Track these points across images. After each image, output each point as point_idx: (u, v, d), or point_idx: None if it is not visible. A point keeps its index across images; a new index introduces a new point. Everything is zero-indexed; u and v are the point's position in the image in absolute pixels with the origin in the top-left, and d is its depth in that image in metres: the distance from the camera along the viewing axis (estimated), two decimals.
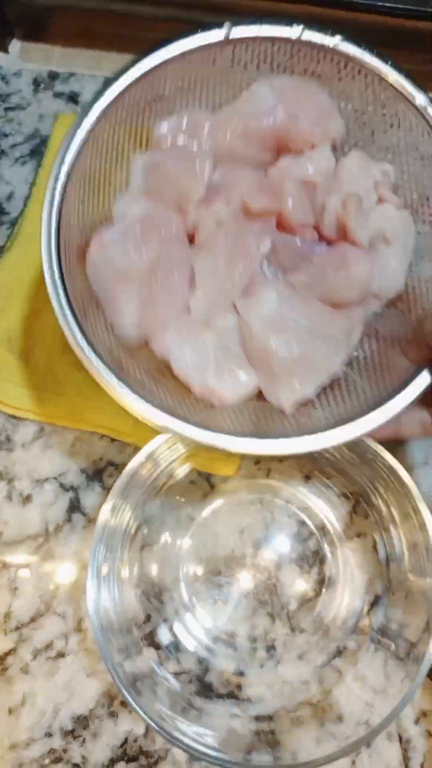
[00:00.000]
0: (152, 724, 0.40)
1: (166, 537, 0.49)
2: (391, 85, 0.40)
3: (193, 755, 0.40)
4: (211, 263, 0.40)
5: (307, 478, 0.50)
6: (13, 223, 0.55)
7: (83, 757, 0.45)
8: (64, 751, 0.45)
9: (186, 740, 0.41)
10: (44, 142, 0.57)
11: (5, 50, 0.61)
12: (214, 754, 0.41)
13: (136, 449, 0.49)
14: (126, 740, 0.46)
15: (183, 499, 0.49)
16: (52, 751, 0.45)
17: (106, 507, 0.42)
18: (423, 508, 0.42)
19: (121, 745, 0.45)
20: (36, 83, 0.60)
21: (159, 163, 0.41)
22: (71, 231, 0.38)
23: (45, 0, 0.62)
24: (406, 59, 0.61)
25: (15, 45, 0.62)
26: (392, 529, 0.47)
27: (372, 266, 0.39)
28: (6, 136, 0.57)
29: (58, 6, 0.63)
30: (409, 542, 0.45)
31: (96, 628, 0.41)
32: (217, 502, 0.49)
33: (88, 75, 0.60)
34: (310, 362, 0.38)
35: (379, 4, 0.52)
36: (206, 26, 0.40)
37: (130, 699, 0.40)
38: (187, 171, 0.40)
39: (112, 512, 0.43)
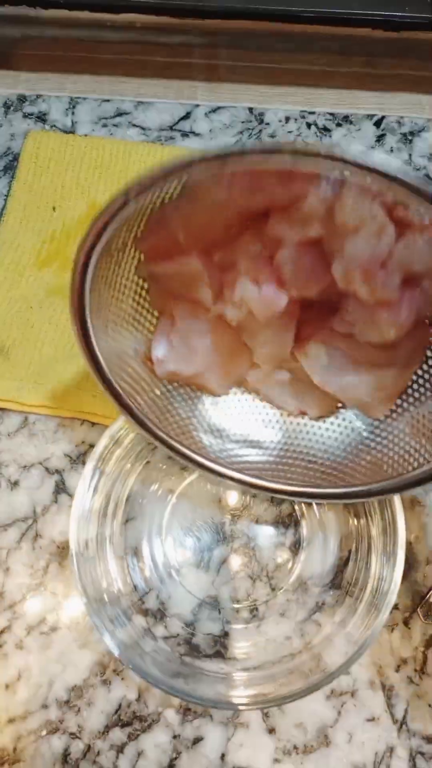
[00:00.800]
0: (149, 681, 0.42)
1: (147, 509, 0.51)
2: None
3: (187, 701, 0.42)
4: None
5: None
6: None
7: (79, 725, 0.47)
8: (60, 721, 0.47)
9: (176, 703, 0.43)
10: (16, 157, 0.62)
11: None
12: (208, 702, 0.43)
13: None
14: (120, 706, 0.47)
15: (162, 474, 0.52)
16: (48, 722, 0.47)
17: (83, 483, 0.45)
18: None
19: (115, 712, 0.47)
20: (6, 106, 0.65)
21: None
22: None
23: (9, 32, 0.68)
24: (349, 64, 0.67)
25: None
26: None
27: (408, 311, 0.34)
28: None
29: (23, 37, 0.68)
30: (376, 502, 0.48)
31: (86, 600, 0.43)
32: (194, 475, 0.52)
33: (54, 96, 0.65)
34: (381, 385, 0.39)
35: (324, 11, 0.57)
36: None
37: (125, 661, 0.42)
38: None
39: (89, 488, 0.45)
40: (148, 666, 0.45)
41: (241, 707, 0.42)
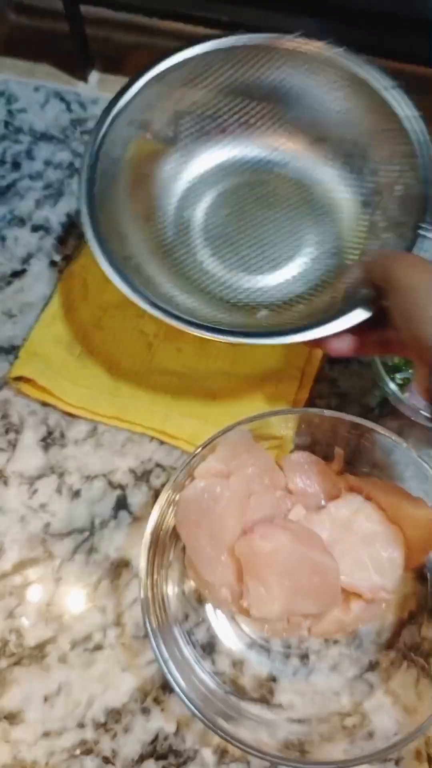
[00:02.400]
0: (193, 709, 0.40)
1: None
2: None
3: (228, 741, 0.40)
4: None
5: None
6: (81, 236, 0.59)
7: (113, 750, 0.46)
8: (95, 743, 0.46)
9: (222, 728, 0.42)
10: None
11: (84, 80, 0.66)
12: (248, 748, 0.42)
13: (184, 453, 0.51)
14: (156, 737, 0.46)
15: None
16: (83, 742, 0.46)
17: (156, 509, 0.44)
18: None
19: (152, 742, 0.46)
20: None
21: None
22: None
23: (123, 38, 0.68)
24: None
25: (94, 76, 0.67)
26: None
27: None
28: (80, 156, 0.62)
29: (136, 44, 0.68)
30: None
31: (150, 617, 0.42)
32: None
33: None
34: None
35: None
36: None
37: (173, 683, 0.41)
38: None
39: (160, 515, 0.45)
40: (194, 696, 0.44)
41: (282, 762, 0.41)
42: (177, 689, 0.41)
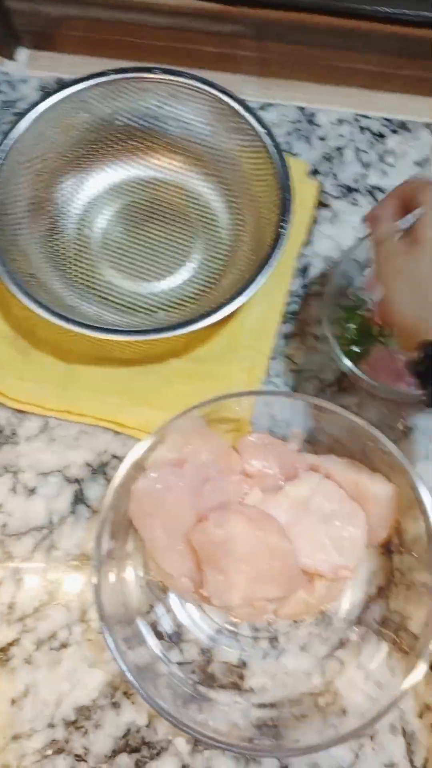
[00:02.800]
0: (157, 709, 0.40)
1: None
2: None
3: (198, 739, 0.40)
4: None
5: None
6: None
7: (85, 748, 0.45)
8: (66, 741, 0.45)
9: (190, 726, 0.41)
10: None
11: (11, 58, 0.63)
12: (219, 738, 0.41)
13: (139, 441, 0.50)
14: (128, 731, 0.46)
15: None
16: (54, 741, 0.45)
17: (108, 498, 0.43)
18: (426, 499, 0.43)
19: (124, 736, 0.45)
20: (43, 89, 0.62)
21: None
22: None
23: (51, 10, 0.65)
24: (408, 66, 0.63)
25: (22, 53, 0.64)
26: None
27: None
28: None
29: (65, 17, 0.65)
30: (411, 535, 0.46)
31: (101, 616, 0.41)
32: None
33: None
34: None
35: (383, 10, 0.54)
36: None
37: (136, 684, 0.40)
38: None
39: (112, 505, 0.43)
40: (161, 691, 0.44)
41: (254, 753, 0.40)
42: (135, 685, 0.40)
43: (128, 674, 0.40)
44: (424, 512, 0.43)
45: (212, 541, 0.40)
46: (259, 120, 0.52)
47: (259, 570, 0.41)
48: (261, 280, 0.47)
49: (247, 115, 0.53)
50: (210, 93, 0.54)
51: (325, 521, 0.43)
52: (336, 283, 0.51)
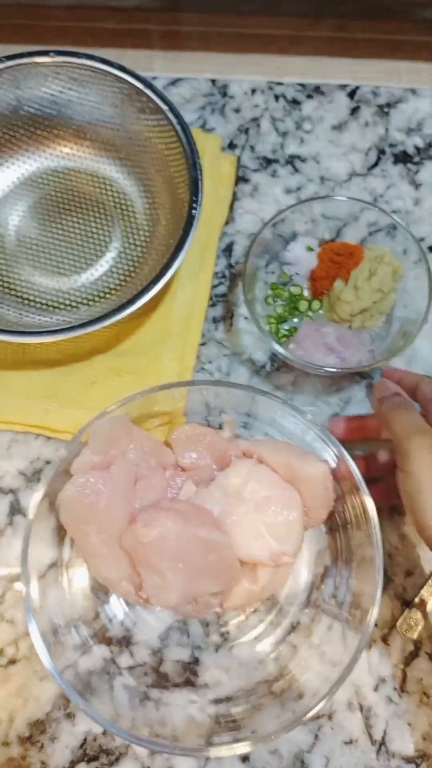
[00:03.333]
0: (106, 725, 0.39)
1: None
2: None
3: (152, 749, 0.39)
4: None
5: None
6: None
7: (43, 762, 0.44)
8: (23, 758, 0.44)
9: (145, 733, 0.41)
10: None
11: None
12: (173, 744, 0.40)
13: None
14: (85, 740, 0.45)
15: None
16: (10, 759, 0.44)
17: (34, 504, 0.41)
18: (358, 475, 0.42)
19: (81, 746, 0.45)
20: None
21: None
22: None
23: None
24: (318, 27, 0.61)
25: None
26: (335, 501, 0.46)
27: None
28: None
29: None
30: (352, 513, 0.45)
31: (37, 634, 0.40)
32: None
33: None
34: None
35: None
36: None
37: (81, 704, 0.39)
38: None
39: (38, 510, 0.42)
40: (116, 695, 0.43)
41: (214, 752, 0.39)
42: (80, 704, 0.39)
43: (71, 693, 0.39)
44: (358, 488, 0.42)
45: (143, 542, 0.39)
46: (162, 97, 0.50)
47: (194, 566, 0.40)
48: (175, 265, 0.45)
49: (150, 93, 0.50)
50: (110, 73, 0.51)
51: (259, 508, 0.42)
52: (253, 262, 0.50)
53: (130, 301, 0.45)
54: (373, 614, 0.40)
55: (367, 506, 0.42)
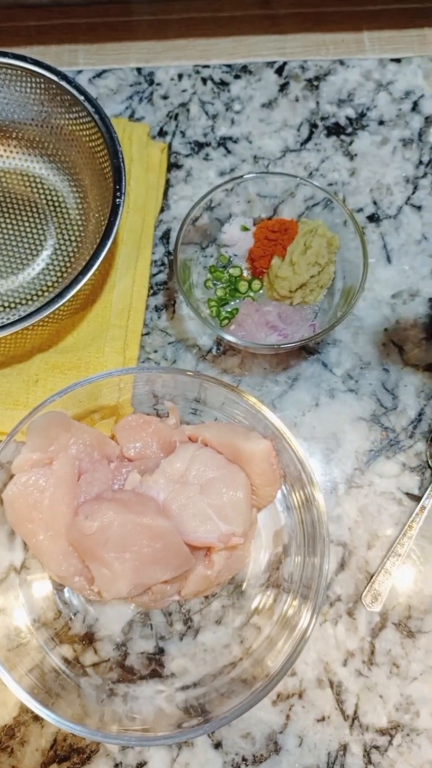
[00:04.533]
0: (71, 728, 0.38)
1: None
2: None
3: (122, 745, 0.39)
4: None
5: None
6: None
7: (13, 767, 0.44)
8: None
9: (113, 729, 0.40)
10: None
11: None
12: (143, 736, 0.40)
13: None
14: (55, 741, 0.44)
15: None
16: None
17: None
18: (301, 457, 0.42)
19: (51, 747, 0.44)
20: None
21: None
22: None
23: None
24: (240, 7, 0.60)
25: None
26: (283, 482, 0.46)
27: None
28: None
29: None
30: (302, 494, 0.44)
31: None
32: None
33: None
34: None
35: None
36: None
37: (42, 710, 0.38)
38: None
39: None
40: (84, 692, 0.42)
41: (181, 737, 0.39)
42: (41, 712, 0.38)
43: (29, 700, 0.38)
44: (301, 469, 0.42)
45: (86, 534, 0.39)
46: (78, 88, 0.49)
47: (141, 554, 0.39)
48: (102, 254, 0.45)
49: (66, 86, 0.50)
50: (26, 69, 0.51)
51: (204, 491, 0.41)
52: (186, 247, 0.49)
53: (60, 295, 0.45)
54: (321, 585, 0.40)
55: (314, 491, 0.42)
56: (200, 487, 0.41)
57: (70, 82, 0.49)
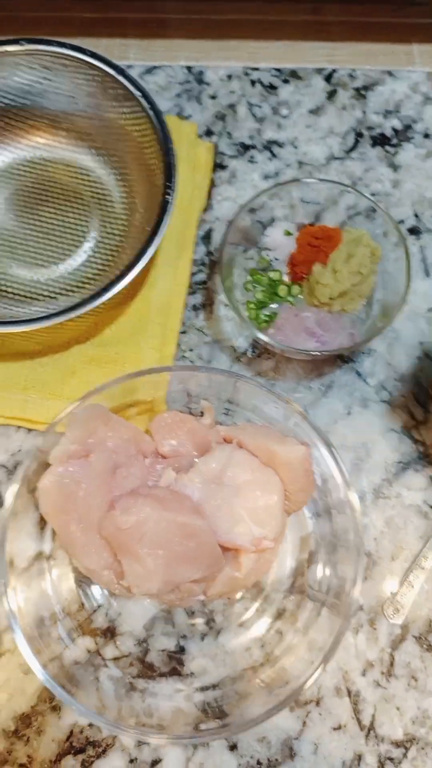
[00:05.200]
0: (91, 717, 0.38)
1: None
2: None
3: (137, 738, 0.39)
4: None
5: None
6: None
7: (29, 756, 0.44)
8: (9, 752, 0.44)
9: (131, 724, 0.40)
10: None
11: None
12: (162, 732, 0.40)
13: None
14: (71, 732, 0.44)
15: None
16: None
17: (10, 496, 0.41)
18: (333, 464, 0.42)
19: (67, 739, 0.44)
20: None
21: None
22: None
23: None
24: (294, 12, 0.61)
25: None
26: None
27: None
28: None
29: None
30: (333, 498, 0.45)
31: (16, 627, 0.39)
32: None
33: None
34: None
35: None
36: None
37: (65, 698, 0.38)
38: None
39: (18, 502, 0.41)
40: (102, 686, 0.42)
41: (200, 740, 0.39)
42: (65, 697, 0.39)
43: (54, 686, 0.39)
44: (338, 475, 0.42)
45: (121, 529, 0.39)
46: (135, 83, 0.49)
47: (175, 552, 0.39)
48: (150, 251, 0.45)
49: (123, 80, 0.50)
50: (83, 60, 0.51)
51: (239, 493, 0.41)
52: (228, 249, 0.49)
53: (105, 289, 0.45)
54: (354, 597, 0.40)
55: (349, 493, 0.42)
56: (235, 489, 0.42)
57: (126, 76, 0.49)
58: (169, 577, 0.40)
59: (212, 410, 0.47)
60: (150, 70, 0.59)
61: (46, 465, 0.42)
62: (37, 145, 0.56)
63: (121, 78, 0.50)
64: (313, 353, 0.47)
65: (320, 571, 0.45)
